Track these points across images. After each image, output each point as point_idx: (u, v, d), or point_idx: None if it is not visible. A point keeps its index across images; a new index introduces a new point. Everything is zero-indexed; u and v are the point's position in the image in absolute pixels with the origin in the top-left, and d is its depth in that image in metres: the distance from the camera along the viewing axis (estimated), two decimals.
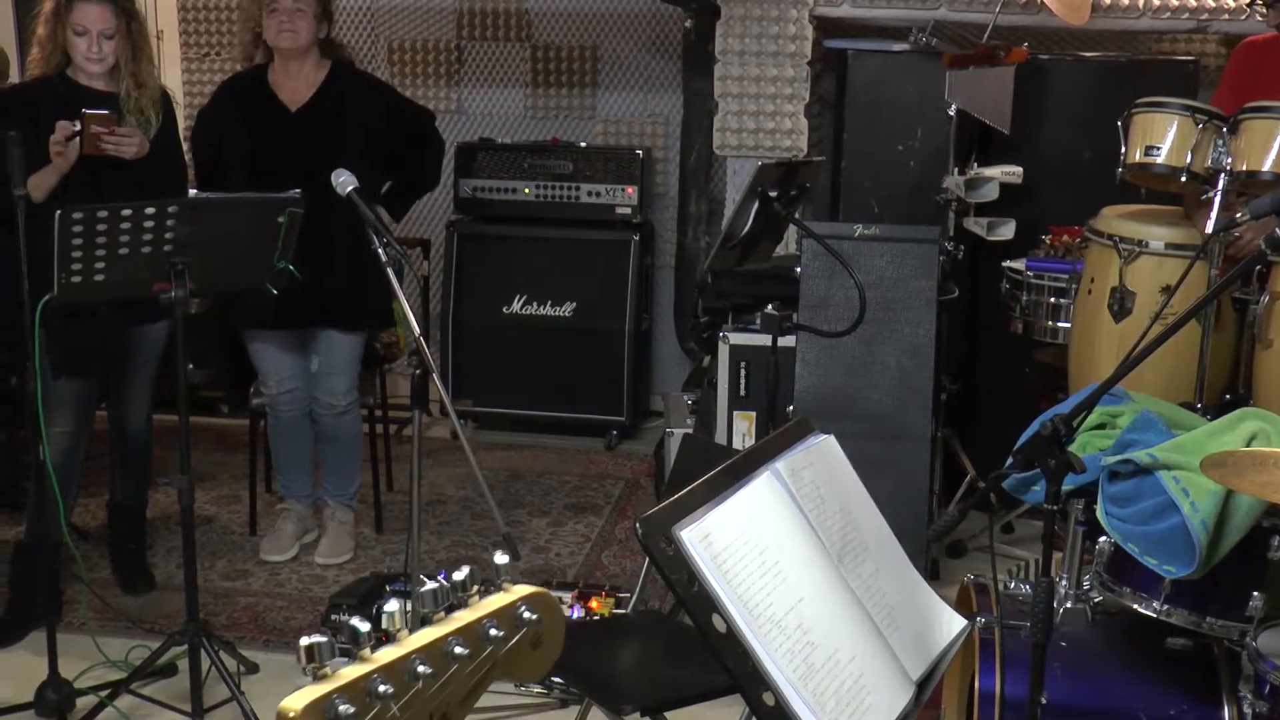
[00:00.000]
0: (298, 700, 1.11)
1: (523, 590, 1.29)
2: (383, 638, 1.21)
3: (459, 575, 1.26)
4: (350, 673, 1.15)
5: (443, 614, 1.24)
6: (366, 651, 1.17)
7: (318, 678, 1.14)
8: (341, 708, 1.13)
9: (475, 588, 1.27)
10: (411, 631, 1.21)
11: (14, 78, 5.15)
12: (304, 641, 1.15)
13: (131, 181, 3.93)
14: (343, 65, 4.53)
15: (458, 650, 1.22)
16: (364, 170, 3.83)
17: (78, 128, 3.82)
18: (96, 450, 4.41)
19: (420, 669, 1.20)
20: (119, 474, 4.43)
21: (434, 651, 1.21)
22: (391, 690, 1.16)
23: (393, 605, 1.20)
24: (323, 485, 4.76)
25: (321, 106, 4.43)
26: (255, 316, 4.46)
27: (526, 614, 1.28)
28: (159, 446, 4.44)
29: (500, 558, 1.31)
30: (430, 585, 1.22)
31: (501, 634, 1.26)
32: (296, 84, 4.43)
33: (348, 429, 4.67)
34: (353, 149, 4.26)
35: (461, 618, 1.24)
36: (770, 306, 3.84)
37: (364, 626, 1.17)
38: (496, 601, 1.27)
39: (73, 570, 4.09)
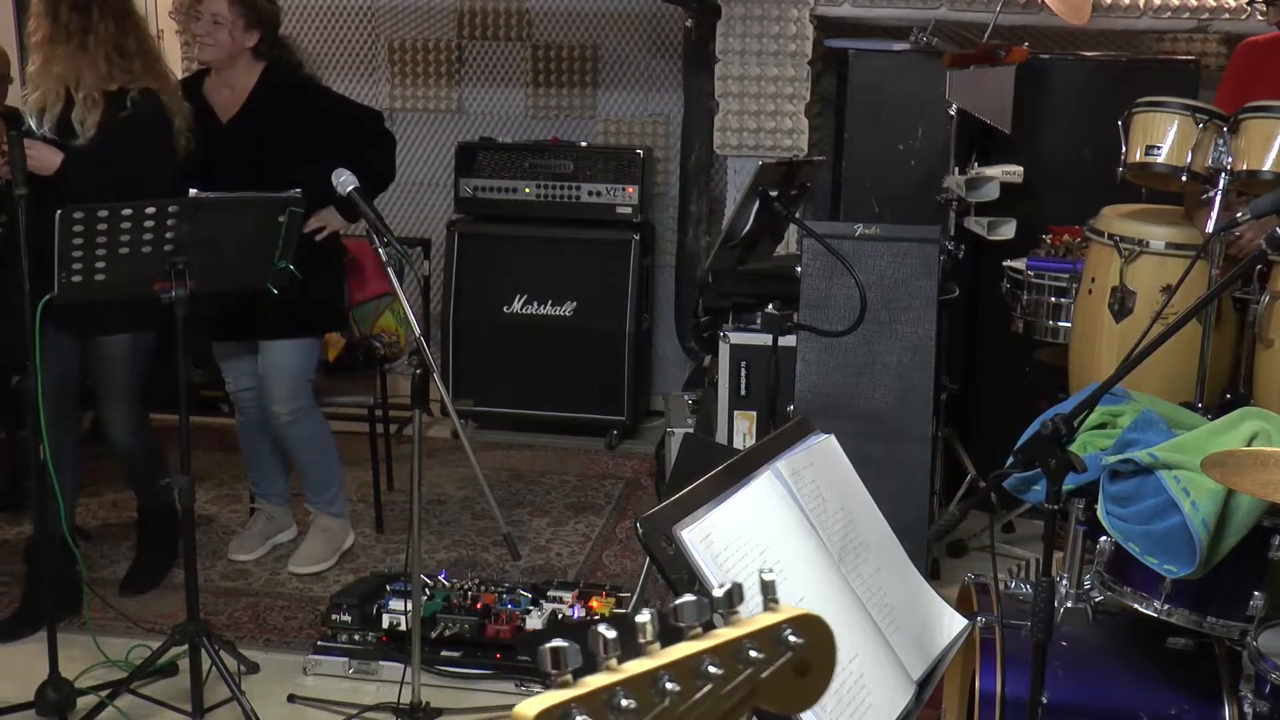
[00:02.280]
0: (532, 707, 1.04)
1: (790, 611, 1.17)
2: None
3: (719, 592, 1.14)
4: (593, 682, 1.05)
5: (700, 629, 1.12)
6: (613, 662, 1.07)
7: (558, 685, 1.04)
8: (579, 719, 1.03)
9: (738, 605, 1.15)
10: (664, 645, 1.10)
11: (15, 77, 5.14)
12: (548, 646, 1.05)
13: (47, 190, 3.75)
14: (275, 69, 4.37)
15: (711, 670, 1.10)
16: (304, 175, 3.76)
17: None
18: (96, 451, 4.40)
19: (669, 686, 1.08)
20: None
21: (685, 669, 1.09)
22: (634, 705, 1.05)
23: (645, 615, 1.09)
24: (303, 491, 4.70)
25: (250, 116, 4.34)
26: (206, 326, 4.36)
27: (792, 637, 1.15)
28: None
29: (768, 575, 1.19)
30: (689, 598, 1.11)
31: (762, 656, 1.13)
32: (228, 93, 4.36)
33: (299, 437, 4.50)
34: (286, 156, 4.13)
35: (720, 635, 1.12)
36: (771, 306, 3.85)
37: (611, 634, 1.07)
38: (760, 621, 1.15)
39: (73, 570, 4.08)
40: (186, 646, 3.52)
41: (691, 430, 4.86)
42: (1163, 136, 3.81)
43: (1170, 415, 3.01)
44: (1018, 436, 2.61)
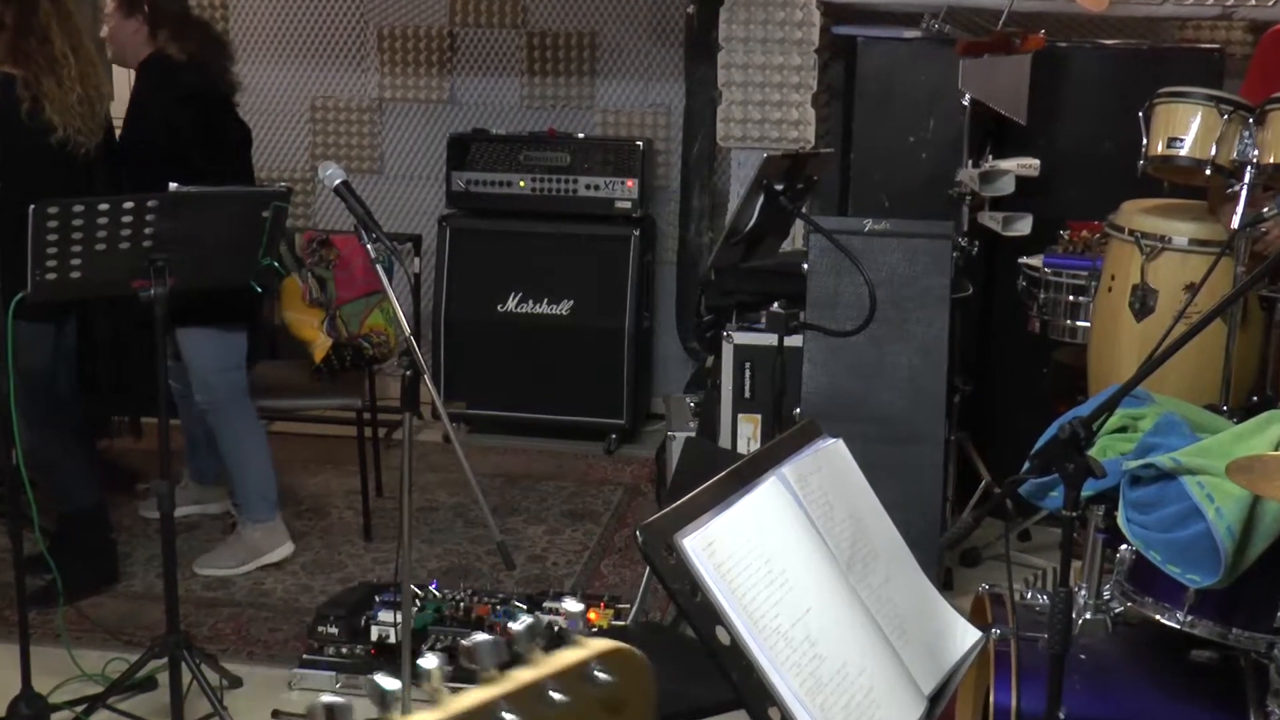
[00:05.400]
0: None
1: (599, 646, 1.09)
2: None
3: (518, 626, 1.07)
4: None
5: (495, 672, 1.05)
6: (395, 715, 1.00)
7: None
8: None
9: (537, 640, 1.07)
10: (453, 691, 1.02)
11: None
12: (322, 700, 0.99)
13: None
14: (151, 60, 4.34)
15: (507, 718, 1.03)
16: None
17: None
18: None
19: None
20: None
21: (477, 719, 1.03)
22: None
23: (431, 661, 1.02)
24: None
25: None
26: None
27: (601, 675, 1.08)
28: (148, 450, 4.39)
29: (572, 605, 1.11)
30: (481, 637, 1.03)
31: (566, 699, 1.06)
32: None
33: (215, 430, 4.51)
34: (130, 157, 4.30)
35: (517, 677, 1.05)
36: (776, 305, 3.81)
37: (391, 685, 1.00)
38: (563, 659, 1.08)
39: (45, 579, 3.97)
40: (166, 660, 3.49)
41: (693, 434, 4.84)
42: (1186, 128, 3.80)
43: (1193, 418, 3.00)
44: (1034, 440, 2.62)
